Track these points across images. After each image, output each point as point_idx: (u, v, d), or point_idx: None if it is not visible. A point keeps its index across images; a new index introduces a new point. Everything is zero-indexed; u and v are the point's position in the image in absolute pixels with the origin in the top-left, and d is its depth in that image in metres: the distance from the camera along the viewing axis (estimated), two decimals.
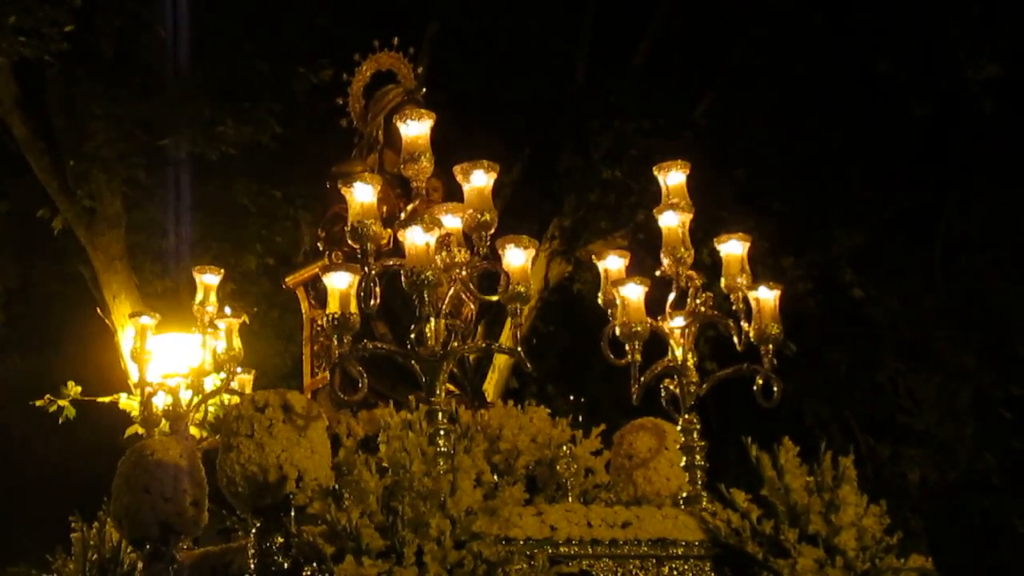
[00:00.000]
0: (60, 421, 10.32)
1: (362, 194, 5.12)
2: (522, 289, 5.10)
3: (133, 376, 10.26)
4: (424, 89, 6.75)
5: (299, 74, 10.86)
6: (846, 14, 11.41)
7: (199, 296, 6.39)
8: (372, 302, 5.08)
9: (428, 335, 5.05)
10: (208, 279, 6.39)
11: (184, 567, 5.39)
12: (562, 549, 4.91)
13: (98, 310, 10.93)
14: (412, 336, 5.07)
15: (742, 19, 11.92)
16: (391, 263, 5.10)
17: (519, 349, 5.32)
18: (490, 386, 11.03)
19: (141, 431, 10.10)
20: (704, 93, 11.98)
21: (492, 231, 5.19)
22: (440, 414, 4.93)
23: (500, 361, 11.55)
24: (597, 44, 12.17)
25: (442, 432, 4.85)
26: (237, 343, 6.15)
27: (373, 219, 5.05)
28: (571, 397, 12.42)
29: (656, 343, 5.71)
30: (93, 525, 6.19)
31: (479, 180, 5.19)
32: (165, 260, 11.31)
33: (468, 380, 6.37)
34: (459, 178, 5.25)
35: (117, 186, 10.68)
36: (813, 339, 11.47)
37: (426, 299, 4.95)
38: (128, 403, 10.27)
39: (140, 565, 5.66)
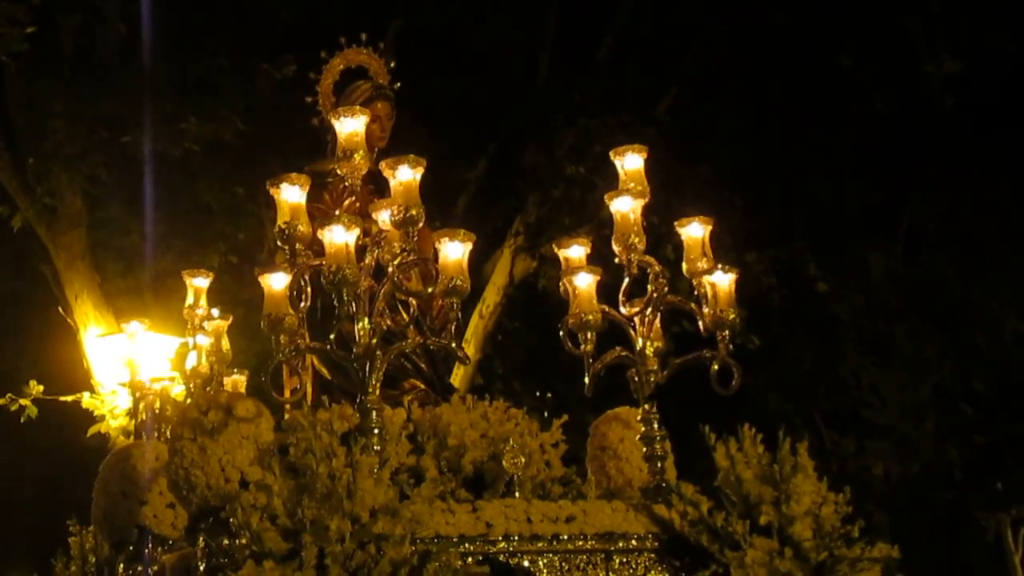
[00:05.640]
0: (22, 420, 10.26)
1: (290, 195, 5.11)
2: (459, 283, 5.08)
3: (96, 375, 10.29)
4: (398, 84, 6.72)
5: (262, 70, 10.82)
6: (807, 9, 11.45)
7: (189, 299, 6.37)
8: (304, 303, 5.08)
9: (360, 334, 5.04)
10: (198, 282, 6.37)
11: (165, 568, 5.38)
12: (500, 545, 4.87)
13: (60, 309, 10.86)
14: (331, 336, 5.08)
15: (704, 15, 11.95)
16: (317, 263, 5.09)
17: (453, 345, 5.29)
18: (454, 382, 11.01)
19: (104, 430, 10.12)
20: (667, 89, 12.00)
21: (420, 226, 5.15)
22: (374, 413, 4.93)
23: None
24: (560, 40, 12.18)
25: (376, 431, 4.85)
26: (226, 344, 6.12)
27: (301, 220, 5.05)
28: (537, 393, 12.47)
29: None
30: (90, 529, 6.22)
31: (405, 175, 5.15)
32: (127, 258, 11.22)
33: (437, 376, 6.33)
34: (385, 173, 5.21)
35: (78, 184, 10.60)
36: (776, 334, 11.54)
37: (346, 297, 4.94)
38: (91, 402, 10.23)
39: (121, 568, 5.68)
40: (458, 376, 11.38)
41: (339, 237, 4.95)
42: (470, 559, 4.78)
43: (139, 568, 5.64)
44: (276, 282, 5.06)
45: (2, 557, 13.79)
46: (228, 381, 6.37)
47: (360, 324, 5.04)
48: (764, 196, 11.87)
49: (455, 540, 4.77)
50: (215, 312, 6.25)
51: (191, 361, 6.29)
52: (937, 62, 11.10)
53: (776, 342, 11.54)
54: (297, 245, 5.10)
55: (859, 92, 11.63)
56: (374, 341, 5.05)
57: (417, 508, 4.58)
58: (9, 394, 10.18)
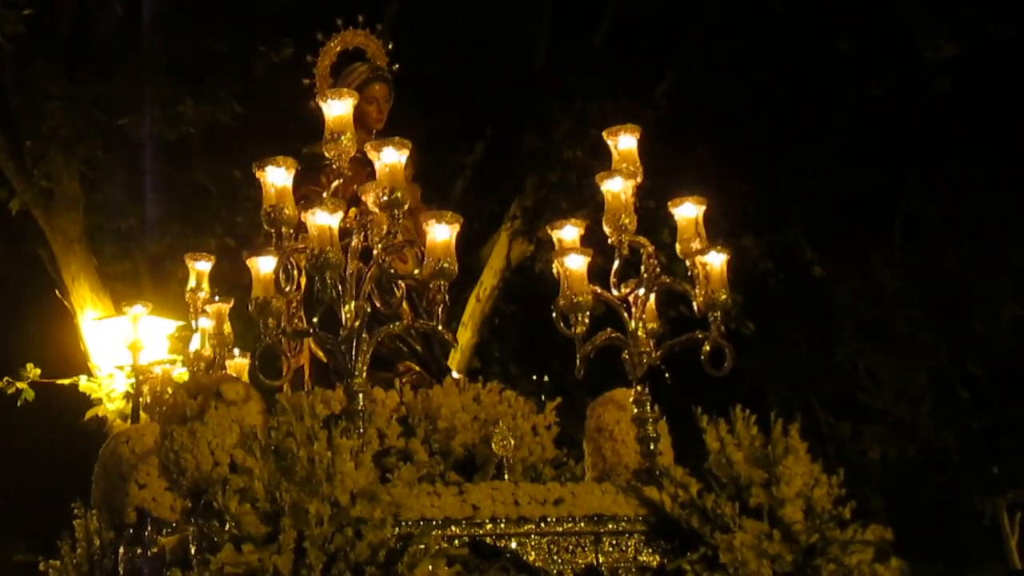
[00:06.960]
0: (19, 404, 10.27)
1: (275, 177, 5.10)
2: (446, 265, 5.05)
3: (93, 358, 10.30)
4: (396, 66, 6.69)
5: (259, 53, 10.81)
6: None
7: (191, 282, 6.35)
8: (290, 286, 5.07)
9: (345, 316, 5.03)
10: (200, 266, 6.35)
11: (164, 551, 5.38)
12: (487, 527, 4.83)
13: (57, 292, 10.87)
14: (315, 319, 5.08)
15: None
16: (303, 247, 5.08)
17: (440, 327, 5.28)
18: (451, 366, 11.01)
19: (101, 413, 10.14)
20: (665, 73, 11.98)
21: (405, 208, 5.14)
22: (360, 396, 4.93)
23: (462, 341, 11.55)
24: (558, 24, 12.15)
25: (362, 414, 4.85)
26: (227, 327, 6.10)
27: (287, 203, 5.04)
28: (534, 376, 12.47)
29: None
30: (94, 512, 6.23)
31: (390, 157, 5.12)
32: (124, 241, 11.21)
33: (433, 358, 6.32)
34: (370, 155, 5.19)
35: (75, 167, 10.60)
36: (774, 318, 11.54)
37: (329, 280, 4.93)
38: (88, 385, 10.24)
39: (122, 550, 5.69)
40: (454, 360, 11.40)
41: (322, 220, 4.94)
42: (456, 542, 4.74)
43: (139, 551, 5.64)
44: (264, 265, 5.06)
45: (2, 540, 13.84)
46: (231, 364, 6.37)
47: (346, 307, 5.03)
48: (761, 180, 11.86)
49: (440, 523, 4.73)
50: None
51: (194, 344, 6.27)
52: (935, 46, 11.07)
53: (773, 327, 11.54)
54: (283, 228, 5.09)
55: (857, 76, 11.60)
56: (358, 323, 5.04)
57: (397, 491, 4.54)
58: (6, 377, 10.18)
